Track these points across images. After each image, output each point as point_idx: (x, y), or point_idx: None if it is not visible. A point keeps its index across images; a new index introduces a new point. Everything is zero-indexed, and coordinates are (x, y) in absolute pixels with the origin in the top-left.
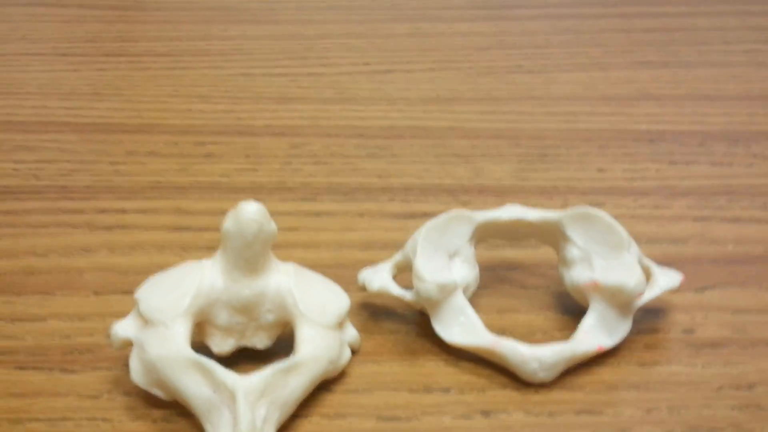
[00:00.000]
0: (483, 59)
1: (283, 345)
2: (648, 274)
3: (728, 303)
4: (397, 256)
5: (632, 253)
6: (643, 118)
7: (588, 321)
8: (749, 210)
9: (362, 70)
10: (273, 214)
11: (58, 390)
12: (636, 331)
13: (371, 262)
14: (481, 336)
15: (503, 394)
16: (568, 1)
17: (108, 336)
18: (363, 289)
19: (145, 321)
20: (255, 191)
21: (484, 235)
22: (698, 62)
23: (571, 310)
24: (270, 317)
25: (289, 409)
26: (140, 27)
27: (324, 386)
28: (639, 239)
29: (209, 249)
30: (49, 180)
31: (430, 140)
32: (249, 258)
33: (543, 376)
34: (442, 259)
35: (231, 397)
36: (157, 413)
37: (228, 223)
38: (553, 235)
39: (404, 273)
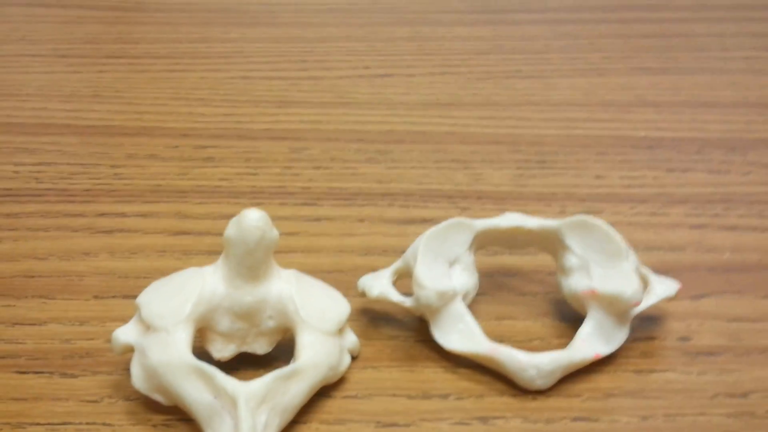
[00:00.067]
0: (482, 64)
1: (282, 350)
2: (645, 283)
3: (724, 311)
4: (398, 263)
5: (630, 262)
6: (641, 124)
7: (585, 329)
8: (746, 218)
9: (362, 73)
10: (273, 218)
11: (58, 394)
12: (632, 339)
13: (371, 268)
14: (479, 343)
15: (501, 401)
16: (567, 6)
17: (108, 340)
18: (362, 295)
19: (147, 326)
20: (255, 195)
21: (483, 242)
22: (696, 69)
23: (568, 317)
24: (271, 323)
25: (290, 415)
26: (140, 29)
27: (324, 392)
28: (636, 246)
29: (209, 253)
30: (50, 183)
31: (430, 145)
32: (251, 265)
33: (540, 383)
34: (442, 267)
35: (232, 403)
36: (157, 418)
37: (230, 230)
38: (551, 243)
39: (404, 279)
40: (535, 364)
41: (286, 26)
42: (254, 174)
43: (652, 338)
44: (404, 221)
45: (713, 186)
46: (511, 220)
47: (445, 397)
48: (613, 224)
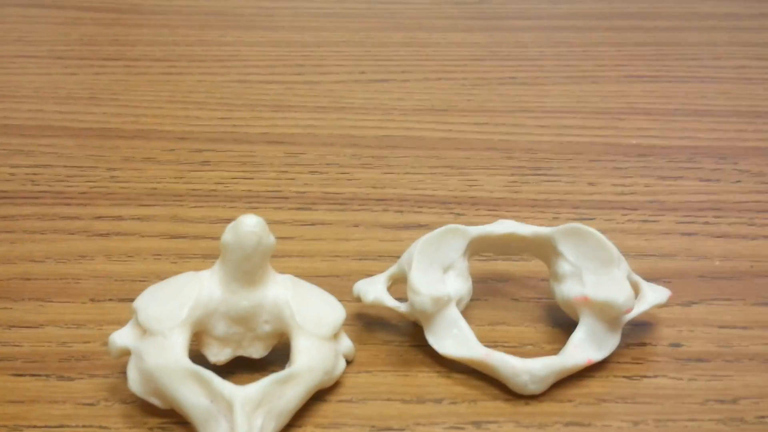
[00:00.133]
0: (477, 70)
1: (278, 355)
2: (637, 290)
3: (714, 318)
4: (392, 268)
5: (622, 269)
6: (633, 132)
7: (578, 335)
8: (736, 225)
9: (358, 78)
10: (268, 222)
11: (55, 397)
12: (624, 345)
13: (365, 273)
14: (473, 348)
15: (494, 406)
16: (561, 14)
17: (105, 344)
18: (357, 300)
19: (143, 330)
20: (250, 199)
21: (477, 249)
22: (688, 77)
23: (560, 322)
24: (267, 328)
25: (285, 419)
26: (137, 31)
27: (319, 396)
28: (628, 253)
29: (205, 257)
30: (46, 185)
31: (424, 151)
32: (247, 270)
33: (533, 388)
34: (436, 273)
35: (228, 406)
36: (153, 422)
37: (227, 235)
38: (544, 250)
39: (398, 285)
40: (528, 369)
41: (283, 30)
42: (250, 178)
43: (643, 344)
44: (399, 226)
45: (704, 194)
46: (505, 226)
47: (439, 401)
48: (606, 231)
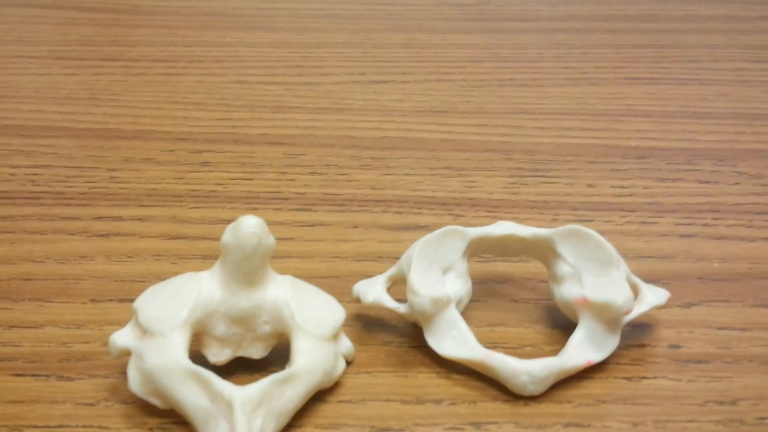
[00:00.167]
0: (476, 71)
1: (278, 355)
2: (636, 291)
3: (713, 319)
4: (392, 270)
5: (621, 271)
6: (632, 134)
7: (577, 336)
8: (735, 227)
9: (357, 80)
10: (268, 223)
11: (55, 397)
12: (624, 346)
13: (365, 273)
14: (472, 349)
15: (494, 407)
16: (560, 15)
17: (105, 344)
18: (357, 300)
19: (143, 331)
20: (250, 200)
21: (477, 250)
22: (687, 80)
23: (560, 323)
24: (267, 328)
25: (285, 419)
26: (136, 31)
27: (318, 397)
28: (626, 255)
29: (205, 258)
30: (46, 186)
31: (424, 152)
32: (247, 271)
33: (533, 389)
34: (435, 274)
35: (228, 407)
36: (153, 422)
37: (227, 236)
38: (544, 252)
39: (398, 286)
40: (527, 370)
41: (282, 31)
42: (249, 179)
43: (642, 346)
44: (398, 228)
45: (703, 196)
46: (504, 228)
47: (438, 402)
48: (604, 233)
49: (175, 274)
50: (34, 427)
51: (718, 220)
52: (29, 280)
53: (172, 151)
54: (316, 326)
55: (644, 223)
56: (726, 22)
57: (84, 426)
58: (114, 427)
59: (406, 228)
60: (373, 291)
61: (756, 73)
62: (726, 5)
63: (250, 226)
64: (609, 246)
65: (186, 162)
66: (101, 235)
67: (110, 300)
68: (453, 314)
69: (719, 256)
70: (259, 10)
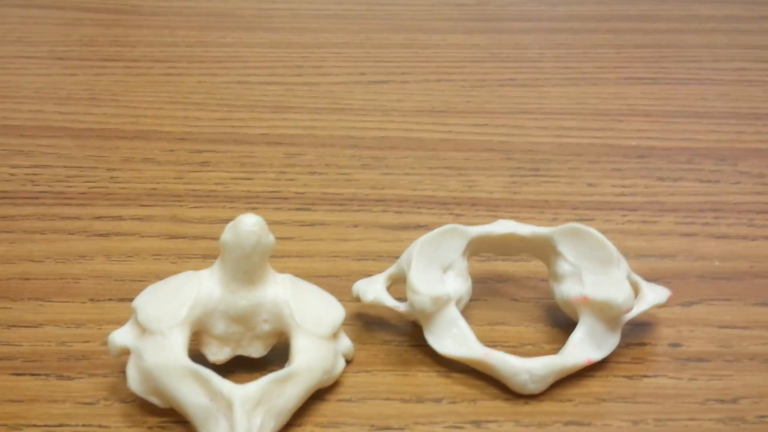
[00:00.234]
0: (476, 71)
1: (277, 354)
2: (636, 290)
3: (714, 318)
4: (392, 268)
5: (621, 269)
6: (632, 133)
7: (577, 334)
8: (735, 226)
9: (358, 80)
10: (268, 223)
11: (54, 396)
12: (624, 345)
13: (365, 273)
14: (472, 348)
15: (494, 405)
16: (561, 15)
17: (104, 343)
18: (357, 299)
19: (143, 329)
20: (250, 200)
21: (477, 249)
22: (688, 79)
23: (560, 322)
24: (266, 327)
25: (284, 418)
26: (137, 32)
27: (318, 395)
28: (627, 254)
29: (204, 257)
30: (46, 186)
31: (424, 152)
32: (247, 269)
33: (533, 387)
34: (435, 272)
35: (228, 405)
36: (153, 421)
37: (227, 234)
38: (544, 250)
39: (398, 284)
40: (527, 368)
41: (282, 31)
42: (249, 179)
43: (643, 344)
44: (398, 227)
45: (703, 195)
46: (504, 226)
47: (438, 401)
48: (605, 232)
49: (175, 273)
50: (34, 426)
51: (719, 219)
52: (29, 279)
53: (172, 151)
54: (315, 325)
55: (645, 222)
56: (726, 22)
57: (83, 425)
58: (113, 425)
59: (406, 227)
60: (373, 290)
61: (757, 72)
62: (726, 5)
63: (249, 225)
64: (609, 244)
65: (186, 162)
66: (101, 235)
67: (110, 299)
68: (453, 313)
69: (720, 254)
70: (260, 11)
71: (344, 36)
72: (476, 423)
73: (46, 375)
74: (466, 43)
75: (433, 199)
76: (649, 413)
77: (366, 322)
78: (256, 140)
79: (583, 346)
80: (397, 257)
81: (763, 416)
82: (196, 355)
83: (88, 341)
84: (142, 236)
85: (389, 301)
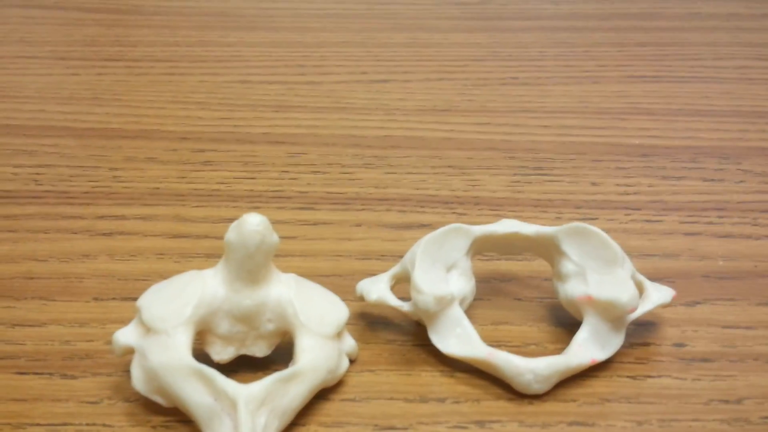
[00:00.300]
0: (478, 70)
1: (281, 354)
2: (641, 289)
3: (718, 318)
4: (395, 268)
5: (626, 269)
6: (635, 132)
7: (582, 334)
8: (739, 225)
9: (359, 79)
10: (271, 222)
11: (58, 395)
12: (628, 345)
13: (368, 272)
14: (476, 347)
15: (498, 405)
16: (562, 14)
17: (108, 342)
18: (361, 299)
19: (147, 329)
20: (253, 199)
21: (480, 248)
22: (690, 78)
23: (564, 322)
24: (270, 326)
25: (289, 417)
26: (138, 32)
27: (322, 395)
28: (631, 253)
29: (208, 257)
30: (49, 185)
31: (426, 151)
32: (251, 269)
33: (537, 387)
34: (439, 272)
35: (232, 405)
36: (157, 420)
37: (231, 234)
38: (548, 250)
39: (402, 284)
40: (531, 368)
41: (284, 31)
42: (252, 178)
43: (647, 344)
44: (401, 226)
45: (707, 194)
46: (508, 226)
47: (442, 400)
48: (608, 231)
49: (178, 272)
50: (38, 425)
51: (723, 218)
52: (32, 278)
53: (174, 150)
54: (319, 324)
55: (648, 221)
56: (729, 20)
57: (87, 424)
58: (117, 425)
59: (409, 226)
60: (377, 289)
61: (759, 71)
62: (729, 3)
63: (253, 224)
64: (614, 244)
65: (188, 161)
66: (104, 234)
67: (113, 298)
68: (457, 312)
69: (724, 254)
70: (261, 10)
71: (345, 35)
72: (480, 423)
73: (50, 374)
74: (467, 42)
75: (436, 198)
76: (653, 414)
77: (370, 322)
78: (259, 139)
79: (588, 346)
80: (400, 256)
81: (767, 417)
82: (200, 355)
83: (91, 340)
84: (146, 235)
85: (393, 301)
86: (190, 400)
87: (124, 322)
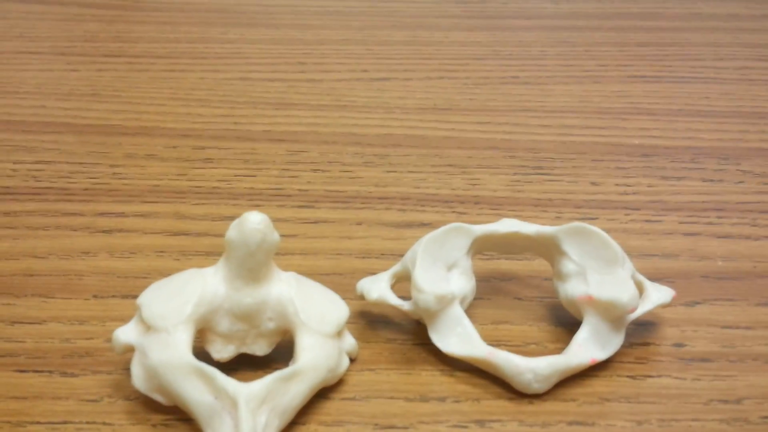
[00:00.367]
0: (479, 69)
1: (281, 352)
2: (640, 289)
3: (718, 318)
4: (396, 267)
5: (626, 269)
6: (636, 132)
7: (582, 334)
8: (739, 226)
9: (360, 77)
10: (271, 220)
11: (58, 393)
12: (628, 345)
13: (368, 271)
14: (477, 347)
15: (498, 404)
16: (563, 13)
17: (108, 340)
18: (361, 297)
19: (147, 327)
20: (253, 197)
21: (481, 247)
22: (691, 78)
23: (564, 321)
24: (270, 325)
25: (289, 416)
26: (139, 27)
27: (322, 394)
28: (630, 253)
29: (208, 254)
30: (48, 182)
31: (427, 150)
32: (252, 267)
33: (537, 387)
34: (440, 271)
35: (232, 403)
36: (157, 418)
37: (232, 232)
38: (548, 249)
39: (402, 283)
40: (532, 368)
41: (284, 28)
42: (252, 176)
43: (647, 344)
44: (402, 225)
45: (707, 194)
46: (509, 225)
47: (442, 400)
48: (608, 231)
49: (178, 270)
50: (38, 423)
51: (722, 218)
52: (32, 275)
53: (174, 147)
54: (320, 323)
55: (648, 221)
56: (729, 20)
57: (87, 422)
58: (117, 423)
59: (409, 225)
60: (377, 288)
61: (760, 71)
62: (730, 3)
63: (254, 223)
64: (614, 244)
65: (189, 158)
66: (104, 231)
67: (113, 296)
68: (457, 312)
69: (723, 254)
70: (261, 7)
71: (346, 33)
72: (480, 422)
73: (50, 372)
74: (468, 41)
75: (437, 197)
76: (652, 413)
77: (370, 321)
78: (259, 137)
79: (588, 346)
80: (401, 255)
81: (766, 417)
82: (201, 353)
83: (91, 338)
84: (145, 233)
85: (393, 300)
86: (191, 399)
87: (124, 319)
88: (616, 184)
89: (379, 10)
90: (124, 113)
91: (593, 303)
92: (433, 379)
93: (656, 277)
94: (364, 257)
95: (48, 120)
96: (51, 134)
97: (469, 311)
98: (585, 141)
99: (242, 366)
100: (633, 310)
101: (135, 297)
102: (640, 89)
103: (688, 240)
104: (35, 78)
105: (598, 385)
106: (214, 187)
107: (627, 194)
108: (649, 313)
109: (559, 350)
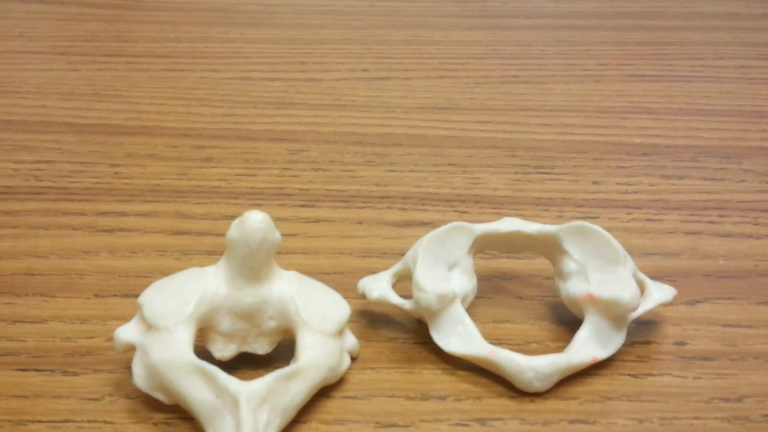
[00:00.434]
0: (479, 68)
1: (282, 351)
2: (642, 288)
3: (719, 316)
4: (397, 266)
5: (627, 268)
6: (636, 131)
7: (583, 333)
8: (740, 225)
9: (360, 76)
10: (272, 220)
11: (59, 392)
12: (629, 343)
13: (369, 270)
14: (478, 345)
15: (499, 403)
16: (563, 12)
17: (109, 339)
18: (362, 296)
19: (149, 326)
20: (254, 196)
21: (482, 246)
22: (691, 77)
23: (565, 320)
24: (272, 324)
25: (290, 414)
26: (139, 27)
27: (323, 392)
28: (632, 252)
29: (208, 254)
30: (49, 181)
31: (427, 149)
32: (253, 266)
33: (538, 385)
34: (441, 270)
35: (234, 402)
36: (158, 417)
37: (233, 231)
38: (550, 248)
39: (403, 282)
40: (533, 366)
41: (284, 27)
42: (253, 175)
43: (648, 343)
44: (402, 224)
45: (708, 193)
46: (510, 224)
47: (443, 398)
48: (610, 230)
49: (179, 269)
50: (39, 421)
51: (724, 217)
52: (33, 275)
53: (175, 146)
54: (321, 322)
55: (649, 220)
56: (729, 19)
57: (89, 421)
58: (119, 422)
59: (410, 224)
60: (378, 287)
61: (760, 70)
62: (730, 2)
63: (255, 222)
64: (615, 243)
65: (189, 158)
66: (105, 231)
67: (114, 295)
68: (458, 310)
69: (725, 253)
70: (261, 7)
71: (346, 32)
72: (481, 421)
73: (51, 371)
74: (468, 40)
75: (438, 196)
76: (654, 412)
77: (371, 320)
78: (259, 136)
79: (589, 345)
80: (402, 254)
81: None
82: (202, 352)
83: (93, 337)
84: (146, 232)
85: (394, 299)
86: (192, 398)
87: (125, 318)
88: (617, 183)
89: (379, 10)
90: (125, 113)
91: (594, 302)
92: (434, 377)
93: (657, 276)
94: (365, 256)
95: (48, 119)
96: (52, 134)
97: (471, 310)
98: (586, 140)
99: (243, 365)
100: (634, 309)
101: (136, 296)
102: (641, 88)
103: (689, 239)
104: (36, 77)
105: (599, 384)
106: (214, 187)
107: (628, 193)
108: (651, 311)
109: (560, 349)
